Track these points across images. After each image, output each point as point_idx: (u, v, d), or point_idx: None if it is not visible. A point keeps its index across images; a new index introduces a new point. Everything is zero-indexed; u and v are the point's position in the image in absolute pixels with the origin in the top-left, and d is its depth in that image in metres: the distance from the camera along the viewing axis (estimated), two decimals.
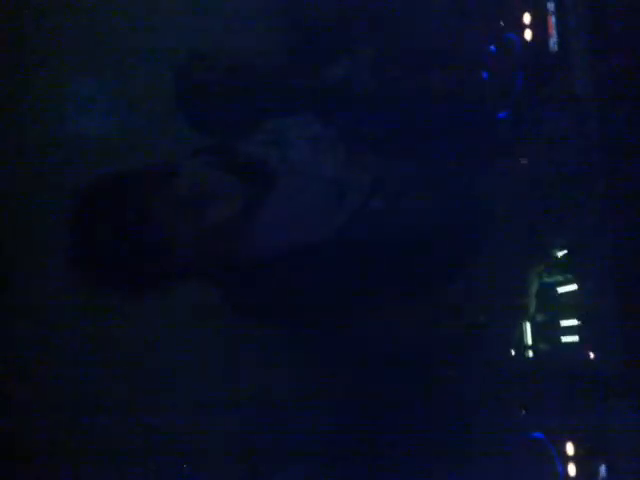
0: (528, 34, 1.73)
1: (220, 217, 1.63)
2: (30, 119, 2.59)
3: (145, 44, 2.56)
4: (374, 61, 1.94)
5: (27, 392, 2.49)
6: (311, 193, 1.71)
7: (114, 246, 1.57)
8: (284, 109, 1.84)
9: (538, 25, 1.68)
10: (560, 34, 1.61)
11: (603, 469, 1.48)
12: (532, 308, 1.76)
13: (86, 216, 1.60)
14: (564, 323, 1.65)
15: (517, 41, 1.75)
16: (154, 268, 1.60)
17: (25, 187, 2.56)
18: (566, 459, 1.59)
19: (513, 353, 1.82)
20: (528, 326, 1.79)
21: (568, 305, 1.64)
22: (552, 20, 1.62)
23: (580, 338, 1.59)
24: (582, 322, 1.58)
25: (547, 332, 1.72)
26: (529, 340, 1.78)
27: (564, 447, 1.59)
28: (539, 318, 1.75)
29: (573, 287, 1.62)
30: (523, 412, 1.77)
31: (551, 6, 1.63)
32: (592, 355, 1.53)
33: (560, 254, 1.68)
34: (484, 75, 1.87)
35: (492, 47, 1.86)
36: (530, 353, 1.79)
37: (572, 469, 1.58)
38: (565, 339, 1.65)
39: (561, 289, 1.68)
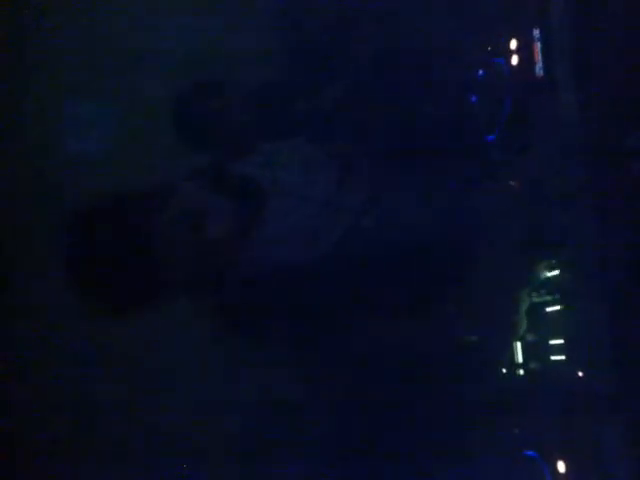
0: (515, 59, 1.80)
1: (213, 236, 1.67)
2: (29, 121, 2.59)
3: (146, 47, 2.57)
4: (365, 86, 1.98)
5: (27, 392, 2.49)
6: (303, 212, 1.75)
7: (109, 262, 1.58)
8: (278, 131, 1.88)
9: (524, 51, 1.75)
10: (545, 60, 1.68)
11: None
12: (522, 326, 1.78)
13: (81, 233, 1.62)
14: (554, 341, 1.69)
15: (505, 66, 1.80)
16: (147, 285, 1.62)
17: (25, 187, 2.56)
18: (558, 477, 1.63)
19: (505, 371, 1.84)
20: (519, 345, 1.82)
21: (557, 323, 1.68)
22: (537, 46, 1.69)
23: (570, 356, 1.62)
24: (572, 340, 1.62)
25: (538, 350, 1.75)
26: (520, 358, 1.82)
27: (556, 465, 1.63)
28: (529, 337, 1.79)
29: (562, 306, 1.66)
30: (516, 431, 1.77)
31: (536, 33, 1.69)
32: (581, 374, 1.56)
33: (549, 274, 1.71)
34: (473, 99, 1.91)
35: (481, 71, 1.90)
36: (521, 371, 1.82)
37: None
38: (555, 357, 1.68)
39: (550, 308, 1.71)
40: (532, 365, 1.79)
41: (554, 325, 1.70)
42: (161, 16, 2.61)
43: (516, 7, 1.79)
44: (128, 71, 2.57)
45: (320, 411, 2.21)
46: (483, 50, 1.91)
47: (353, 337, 1.77)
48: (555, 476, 1.63)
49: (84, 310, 1.83)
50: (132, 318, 1.73)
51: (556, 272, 1.69)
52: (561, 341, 1.67)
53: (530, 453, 1.71)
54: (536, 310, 1.76)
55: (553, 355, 1.69)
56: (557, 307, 1.69)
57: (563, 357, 1.65)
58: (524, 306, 1.79)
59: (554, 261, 1.69)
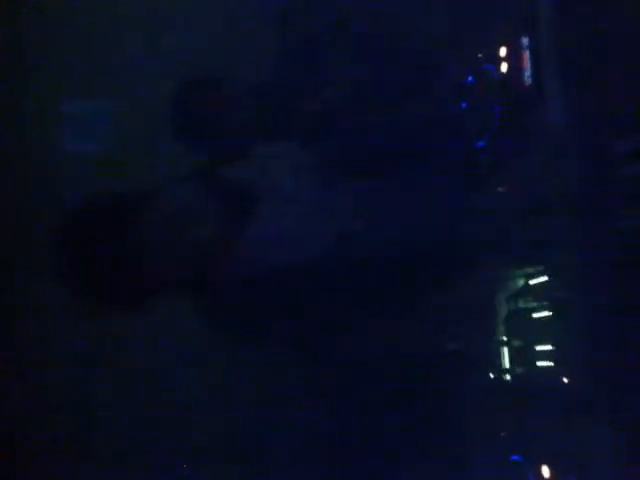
0: (504, 67, 1.81)
1: (203, 238, 1.68)
2: (28, 122, 2.60)
3: (144, 51, 2.57)
4: (355, 91, 1.98)
5: (27, 392, 2.50)
6: (293, 215, 1.76)
7: (100, 262, 1.59)
8: (269, 135, 1.90)
9: (513, 58, 1.76)
10: (533, 67, 1.69)
11: None
12: (506, 332, 1.77)
13: (72, 234, 1.63)
14: (539, 348, 1.70)
15: (494, 73, 1.78)
16: (138, 284, 1.62)
17: (25, 188, 2.57)
18: None
19: (492, 376, 1.83)
20: (505, 350, 1.82)
21: (543, 330, 1.68)
22: (526, 54, 1.71)
23: (555, 362, 1.63)
24: (557, 347, 1.63)
25: (523, 356, 1.76)
26: (506, 364, 1.81)
27: (541, 470, 1.64)
28: (515, 343, 1.79)
29: (548, 312, 1.67)
30: (502, 435, 1.77)
31: (525, 41, 1.71)
32: (565, 379, 1.58)
33: (535, 280, 1.72)
34: (463, 105, 1.90)
35: (470, 78, 1.90)
36: (508, 376, 1.80)
37: None
38: (540, 363, 1.69)
39: (536, 314, 1.72)
40: (518, 370, 1.80)
41: (541, 331, 1.70)
42: (160, 17, 2.60)
43: (505, 15, 1.77)
44: (125, 72, 2.57)
45: (310, 408, 2.22)
46: (474, 57, 1.90)
47: (341, 338, 1.77)
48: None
49: (83, 310, 1.84)
50: (127, 317, 1.73)
51: (543, 278, 1.68)
52: (548, 347, 1.68)
53: (515, 457, 1.72)
54: (523, 316, 1.76)
55: (539, 360, 1.70)
56: (544, 313, 1.70)
57: (550, 363, 1.66)
58: (504, 311, 1.79)
59: (540, 268, 1.68)
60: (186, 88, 2.11)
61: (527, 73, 1.69)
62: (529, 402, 1.72)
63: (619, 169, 1.53)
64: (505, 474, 1.74)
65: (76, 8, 2.57)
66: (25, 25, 2.60)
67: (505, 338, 1.82)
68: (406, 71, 2.01)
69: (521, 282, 1.75)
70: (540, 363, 1.69)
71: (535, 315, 1.72)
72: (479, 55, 1.89)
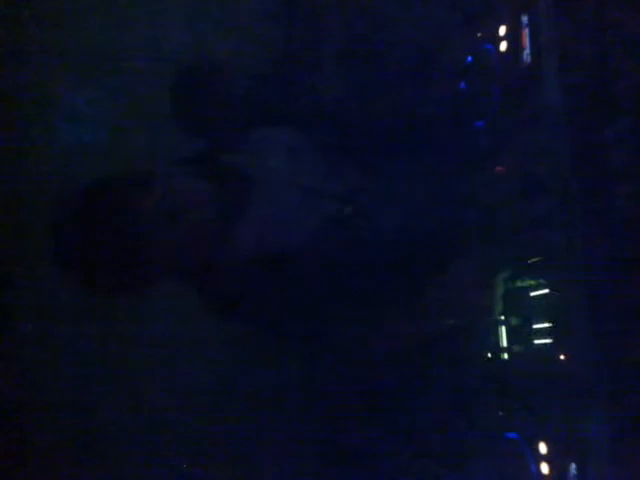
0: (503, 46, 1.80)
1: (197, 222, 1.70)
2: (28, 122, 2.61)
3: (142, 46, 2.59)
4: (353, 73, 1.99)
5: (27, 392, 2.50)
6: (288, 200, 1.78)
7: (98, 249, 1.59)
8: (265, 120, 1.92)
9: (512, 37, 1.75)
10: (533, 46, 1.67)
11: (573, 467, 1.53)
12: (503, 311, 1.81)
13: (70, 220, 1.63)
14: (537, 326, 1.71)
15: (493, 52, 1.82)
16: (135, 271, 1.63)
17: (25, 187, 2.57)
18: (539, 458, 1.65)
19: (489, 355, 1.85)
20: (503, 329, 1.84)
21: (540, 309, 1.70)
22: (526, 33, 1.69)
23: (552, 340, 1.64)
24: (554, 325, 1.64)
25: (521, 335, 1.78)
26: (504, 342, 1.84)
27: (537, 447, 1.65)
28: (513, 321, 1.81)
29: (545, 292, 1.68)
30: (500, 413, 1.79)
31: (525, 19, 1.69)
32: (563, 357, 1.58)
33: (532, 260, 1.73)
34: (462, 84, 1.90)
35: (469, 58, 1.92)
36: (505, 355, 1.83)
37: (545, 468, 1.64)
38: (538, 341, 1.70)
39: (533, 293, 1.73)
40: (516, 349, 1.81)
41: (538, 309, 1.72)
42: (157, 12, 2.62)
43: None
44: (122, 64, 2.58)
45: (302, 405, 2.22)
46: (473, 36, 1.92)
47: (334, 324, 1.79)
48: (537, 457, 1.66)
49: (84, 305, 1.84)
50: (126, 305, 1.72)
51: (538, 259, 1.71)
52: (544, 325, 1.69)
53: (513, 435, 1.74)
54: (520, 295, 1.77)
55: (537, 339, 1.72)
56: (539, 293, 1.71)
57: (545, 341, 1.68)
58: (503, 291, 1.81)
59: (537, 248, 1.68)
60: (185, 73, 2.10)
61: (526, 52, 1.68)
62: (526, 381, 1.72)
63: (614, 151, 1.54)
64: (501, 450, 1.74)
65: None
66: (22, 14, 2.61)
67: (503, 317, 1.82)
68: (404, 52, 2.02)
69: (519, 263, 1.75)
70: (538, 341, 1.70)
71: (533, 294, 1.73)
72: (478, 35, 1.89)
